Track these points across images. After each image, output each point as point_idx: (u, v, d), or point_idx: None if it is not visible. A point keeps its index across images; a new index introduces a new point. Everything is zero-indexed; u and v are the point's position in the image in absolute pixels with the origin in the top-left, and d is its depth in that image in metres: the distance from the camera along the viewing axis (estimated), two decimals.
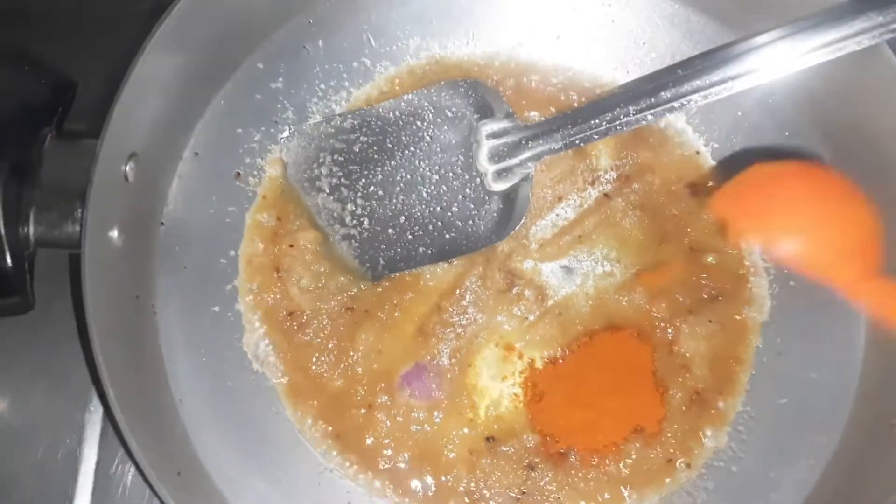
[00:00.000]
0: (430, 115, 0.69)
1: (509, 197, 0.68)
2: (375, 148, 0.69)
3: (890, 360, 0.65)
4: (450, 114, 0.69)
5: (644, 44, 0.72)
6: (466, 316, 0.69)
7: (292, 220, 0.70)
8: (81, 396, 0.68)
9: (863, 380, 0.66)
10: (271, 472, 0.65)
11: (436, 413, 0.67)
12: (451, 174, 0.69)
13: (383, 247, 0.69)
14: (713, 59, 0.57)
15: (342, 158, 0.69)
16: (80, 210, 0.56)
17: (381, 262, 0.69)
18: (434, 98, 0.69)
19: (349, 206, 0.69)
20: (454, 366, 0.68)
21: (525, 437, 0.67)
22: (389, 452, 0.67)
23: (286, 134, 0.71)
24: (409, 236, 0.69)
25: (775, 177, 0.65)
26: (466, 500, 0.66)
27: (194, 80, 0.65)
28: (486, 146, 0.67)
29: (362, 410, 0.67)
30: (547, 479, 0.66)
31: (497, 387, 0.68)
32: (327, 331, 0.68)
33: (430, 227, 0.69)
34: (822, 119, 0.68)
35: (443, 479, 0.66)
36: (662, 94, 0.59)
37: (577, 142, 0.63)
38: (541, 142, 0.65)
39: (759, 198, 0.64)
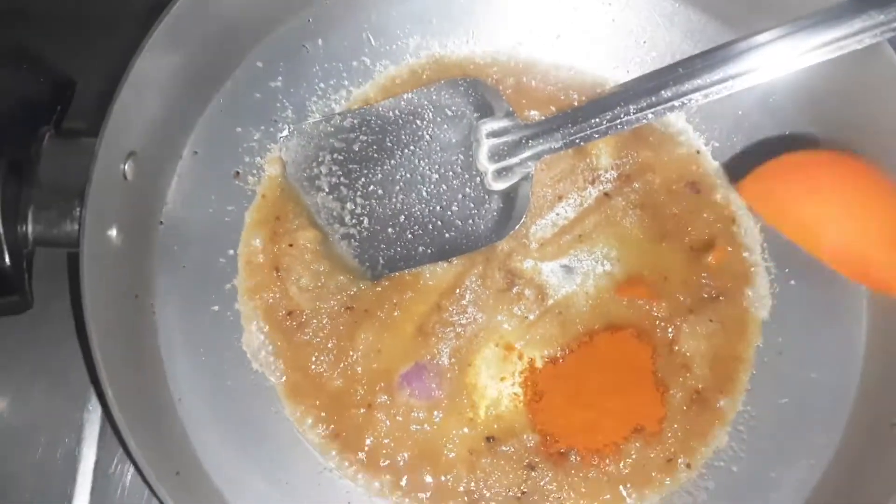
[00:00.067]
0: (430, 114, 0.69)
1: (509, 196, 0.68)
2: (375, 147, 0.69)
3: (891, 360, 0.65)
4: (450, 113, 0.69)
5: (644, 43, 0.72)
6: (466, 315, 0.69)
7: (292, 220, 0.70)
8: (80, 396, 0.67)
9: (864, 379, 0.66)
10: (270, 471, 0.65)
11: (436, 413, 0.67)
12: (450, 173, 0.68)
13: (383, 246, 0.69)
14: (714, 57, 0.57)
15: (342, 157, 0.69)
16: (78, 209, 0.56)
17: (381, 261, 0.69)
18: (434, 97, 0.69)
19: (349, 205, 0.69)
20: (454, 365, 0.68)
21: (525, 436, 0.67)
22: (389, 452, 0.66)
23: (285, 133, 0.71)
24: (409, 235, 0.69)
25: (807, 165, 0.64)
26: (466, 499, 0.66)
27: (193, 79, 0.65)
28: (486, 145, 0.67)
29: (362, 410, 0.67)
30: (547, 478, 0.66)
31: (497, 386, 0.68)
32: (327, 330, 0.68)
33: (430, 227, 0.69)
34: (822, 118, 0.68)
35: (442, 478, 0.66)
36: (663, 92, 0.59)
37: (578, 141, 0.63)
38: (541, 141, 0.65)
39: (792, 186, 0.62)
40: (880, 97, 0.63)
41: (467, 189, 0.68)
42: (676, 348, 0.69)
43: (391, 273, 0.69)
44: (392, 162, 0.69)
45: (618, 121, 0.61)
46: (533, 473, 0.66)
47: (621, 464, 0.67)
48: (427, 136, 0.69)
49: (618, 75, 0.73)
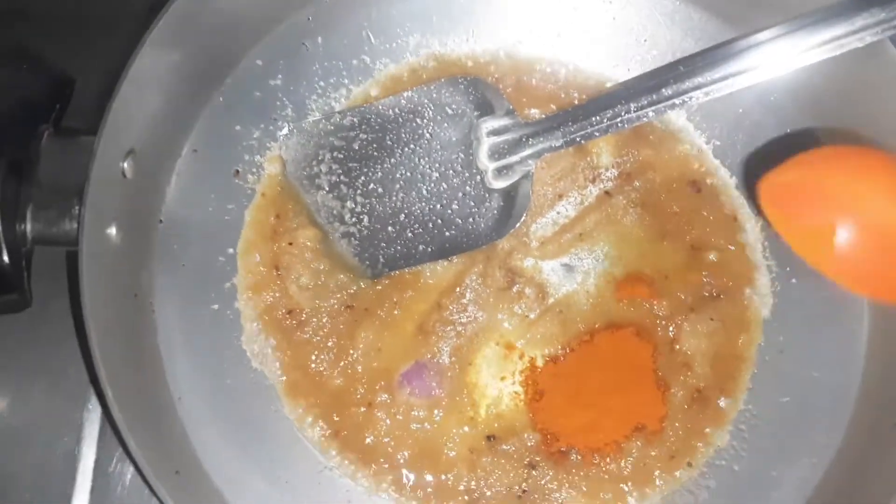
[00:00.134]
0: (430, 113, 0.69)
1: (510, 194, 0.68)
2: (375, 145, 0.69)
3: (892, 358, 0.65)
4: (450, 111, 0.69)
5: (645, 41, 0.72)
6: (467, 314, 0.69)
7: (291, 218, 0.69)
8: (80, 395, 0.67)
9: (865, 378, 0.66)
10: (270, 470, 0.65)
11: (436, 411, 0.67)
12: (451, 171, 0.68)
13: (383, 244, 0.68)
14: (714, 55, 0.57)
15: (342, 156, 0.69)
16: (77, 207, 0.56)
17: (381, 259, 0.68)
18: (434, 95, 0.69)
19: (349, 204, 0.69)
20: (454, 364, 0.68)
21: (526, 435, 0.67)
22: (389, 451, 0.66)
23: (285, 131, 0.71)
24: (409, 234, 0.68)
25: (829, 160, 0.62)
26: (467, 498, 0.66)
27: (193, 77, 0.65)
28: (487, 143, 0.67)
29: (362, 409, 0.67)
30: (548, 477, 0.66)
31: (497, 385, 0.68)
32: (327, 329, 0.68)
33: (430, 225, 0.68)
34: (823, 116, 0.68)
35: (443, 477, 0.66)
36: (663, 90, 0.59)
37: (578, 139, 0.63)
38: (541, 139, 0.65)
39: (814, 184, 0.59)
40: (881, 95, 0.63)
41: (468, 187, 0.68)
42: (677, 347, 0.68)
43: (391, 271, 0.69)
44: (392, 160, 0.69)
45: (618, 119, 0.61)
46: (533, 472, 0.66)
47: (622, 462, 0.66)
48: (427, 135, 0.69)
49: (618, 73, 0.72)
